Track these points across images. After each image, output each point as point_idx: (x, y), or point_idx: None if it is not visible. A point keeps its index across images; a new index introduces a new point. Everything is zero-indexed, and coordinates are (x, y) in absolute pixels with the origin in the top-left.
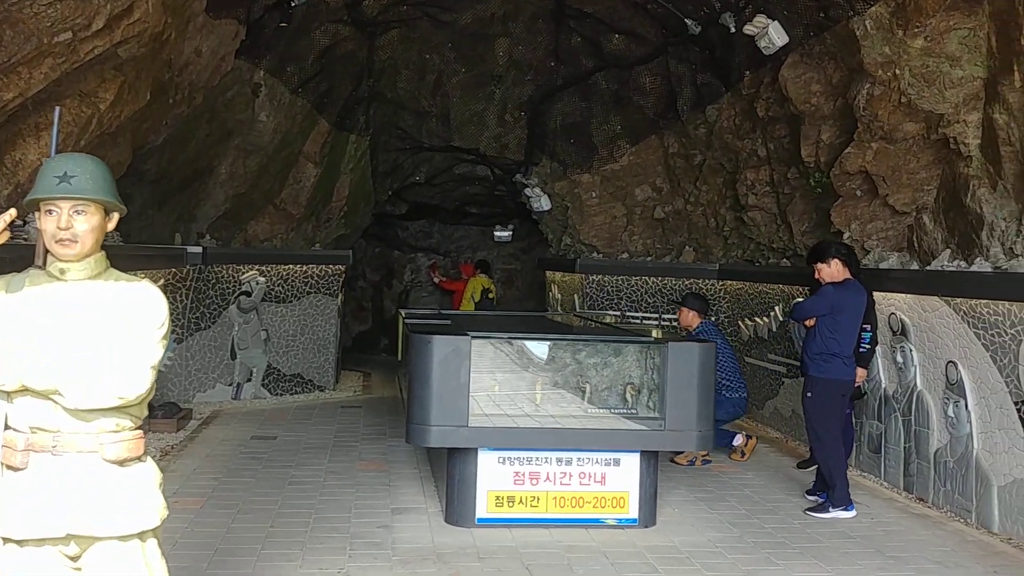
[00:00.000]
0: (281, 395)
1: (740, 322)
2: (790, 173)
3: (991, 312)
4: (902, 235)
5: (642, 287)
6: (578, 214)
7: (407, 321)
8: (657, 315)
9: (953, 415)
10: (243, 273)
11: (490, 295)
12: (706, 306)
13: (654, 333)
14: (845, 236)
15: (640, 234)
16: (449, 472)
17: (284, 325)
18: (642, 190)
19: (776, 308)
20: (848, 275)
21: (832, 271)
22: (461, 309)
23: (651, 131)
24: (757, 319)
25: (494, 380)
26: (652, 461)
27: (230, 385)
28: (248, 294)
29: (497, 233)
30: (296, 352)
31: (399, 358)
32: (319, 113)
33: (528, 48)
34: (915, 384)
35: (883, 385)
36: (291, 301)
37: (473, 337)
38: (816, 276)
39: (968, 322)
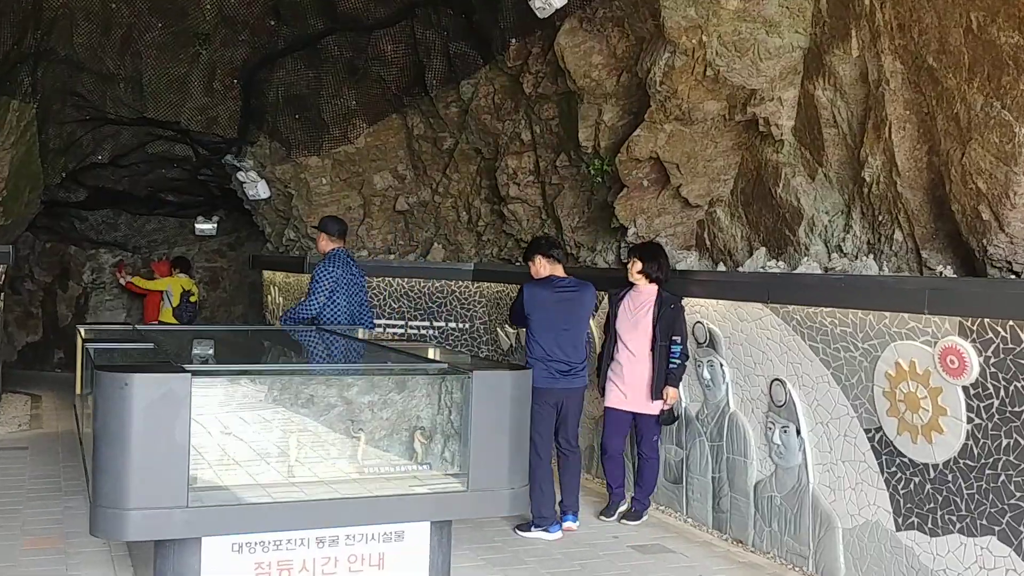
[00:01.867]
0: None
1: (499, 329)
2: (559, 160)
3: (836, 323)
4: (691, 231)
5: (386, 290)
6: (305, 203)
7: (89, 346)
8: (404, 322)
9: (780, 442)
10: None
11: (191, 298)
12: None
13: (431, 353)
14: (630, 232)
15: (380, 228)
16: (159, 569)
17: None
18: (382, 177)
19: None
20: (557, 271)
21: (536, 268)
22: (159, 317)
23: (392, 109)
24: (501, 331)
25: (224, 434)
26: (446, 532)
27: None
28: None
29: (199, 226)
30: None
31: (78, 391)
32: None
33: (242, 2)
34: (726, 404)
35: (683, 405)
36: None
37: (195, 374)
38: (532, 271)
39: (802, 334)
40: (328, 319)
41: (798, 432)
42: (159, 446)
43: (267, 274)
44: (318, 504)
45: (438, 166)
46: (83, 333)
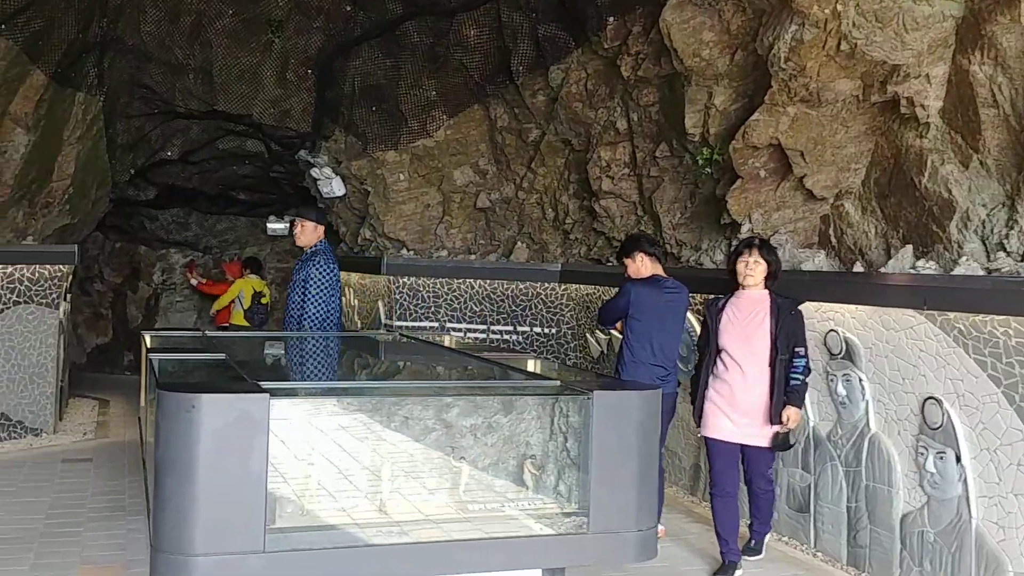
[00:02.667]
0: None
1: (588, 335)
2: (659, 151)
3: (1010, 333)
4: (814, 228)
5: (466, 292)
6: (382, 201)
7: (154, 357)
8: (485, 327)
9: (935, 470)
10: None
11: (263, 300)
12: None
13: (532, 365)
14: (744, 228)
15: (459, 227)
16: None
17: None
18: (462, 172)
19: None
20: (659, 271)
21: (637, 266)
22: (230, 319)
23: (474, 99)
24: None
25: (308, 465)
26: None
27: None
28: None
29: (271, 225)
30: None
31: (142, 402)
32: (32, 61)
33: None
34: (866, 425)
35: (812, 423)
36: None
37: (274, 394)
38: (626, 272)
39: (966, 346)
40: (333, 322)
41: (958, 459)
42: (232, 480)
43: (341, 275)
44: (416, 548)
45: (522, 160)
46: (148, 340)
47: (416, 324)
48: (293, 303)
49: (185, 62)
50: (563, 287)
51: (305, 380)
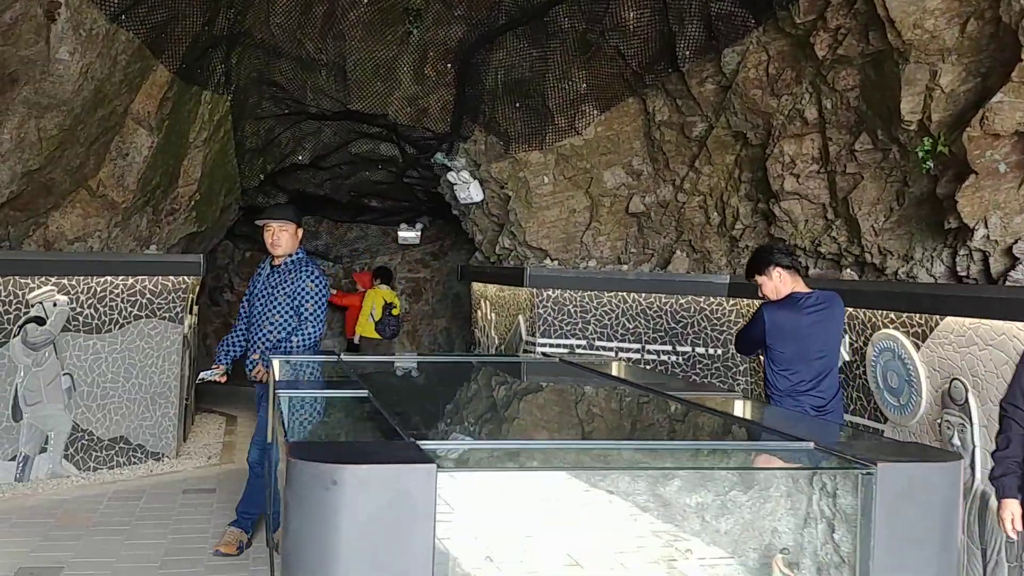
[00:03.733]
0: (94, 470)
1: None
2: (859, 143)
3: None
4: None
5: (618, 307)
6: (524, 206)
7: (283, 393)
8: (640, 346)
9: None
10: (33, 290)
11: (394, 311)
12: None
13: (741, 408)
14: (978, 235)
15: (608, 234)
16: None
17: (99, 367)
18: (613, 174)
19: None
20: (799, 286)
21: (773, 284)
22: (358, 329)
23: (630, 91)
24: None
25: (487, 560)
26: None
27: (12, 460)
28: (41, 321)
29: (402, 234)
30: (117, 405)
31: (269, 437)
32: (155, 55)
33: None
34: None
35: None
36: (110, 330)
37: (441, 465)
38: (761, 292)
39: None
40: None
41: None
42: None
43: (477, 287)
44: None
45: (684, 158)
46: (276, 368)
47: (561, 342)
48: (272, 321)
49: (317, 57)
50: (731, 302)
51: (473, 435)
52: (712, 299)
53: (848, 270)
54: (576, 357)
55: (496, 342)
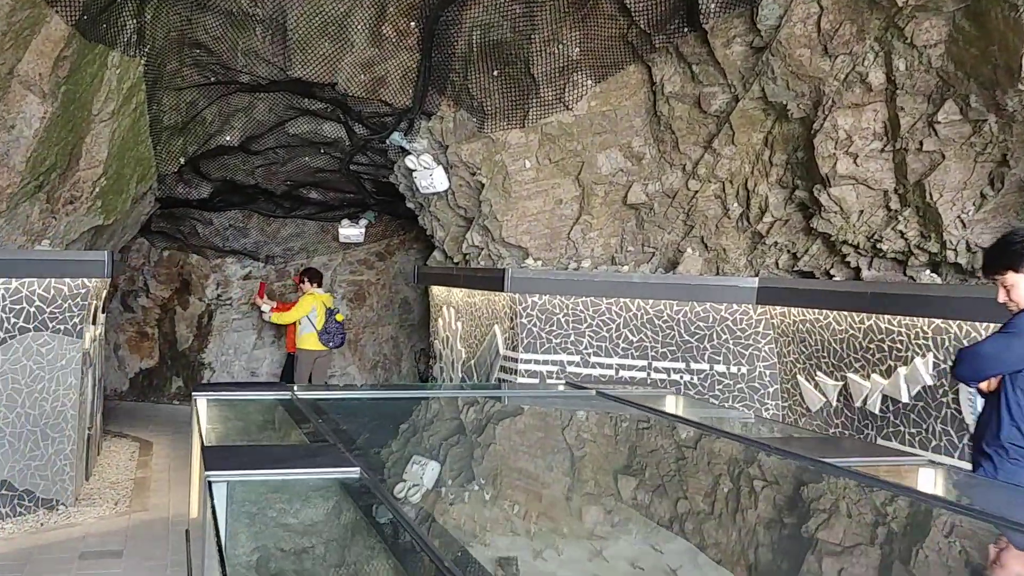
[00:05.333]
0: None
1: (801, 376)
2: (942, 113)
3: None
4: None
5: (620, 316)
6: (500, 196)
7: (217, 477)
8: (646, 363)
9: None
10: None
11: (337, 317)
12: None
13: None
14: None
15: (601, 229)
16: None
17: None
18: (609, 157)
19: (917, 361)
20: None
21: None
22: (298, 344)
23: (632, 57)
24: (855, 377)
25: None
26: None
27: None
28: None
29: (344, 231)
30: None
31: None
32: (47, 2)
33: None
34: None
35: None
36: None
37: None
38: (1004, 297)
39: None
40: None
41: None
42: None
43: (438, 292)
44: None
45: (698, 137)
46: (203, 418)
47: (549, 358)
48: None
49: (251, 11)
50: (759, 310)
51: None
52: (735, 307)
53: (928, 272)
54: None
55: (463, 356)
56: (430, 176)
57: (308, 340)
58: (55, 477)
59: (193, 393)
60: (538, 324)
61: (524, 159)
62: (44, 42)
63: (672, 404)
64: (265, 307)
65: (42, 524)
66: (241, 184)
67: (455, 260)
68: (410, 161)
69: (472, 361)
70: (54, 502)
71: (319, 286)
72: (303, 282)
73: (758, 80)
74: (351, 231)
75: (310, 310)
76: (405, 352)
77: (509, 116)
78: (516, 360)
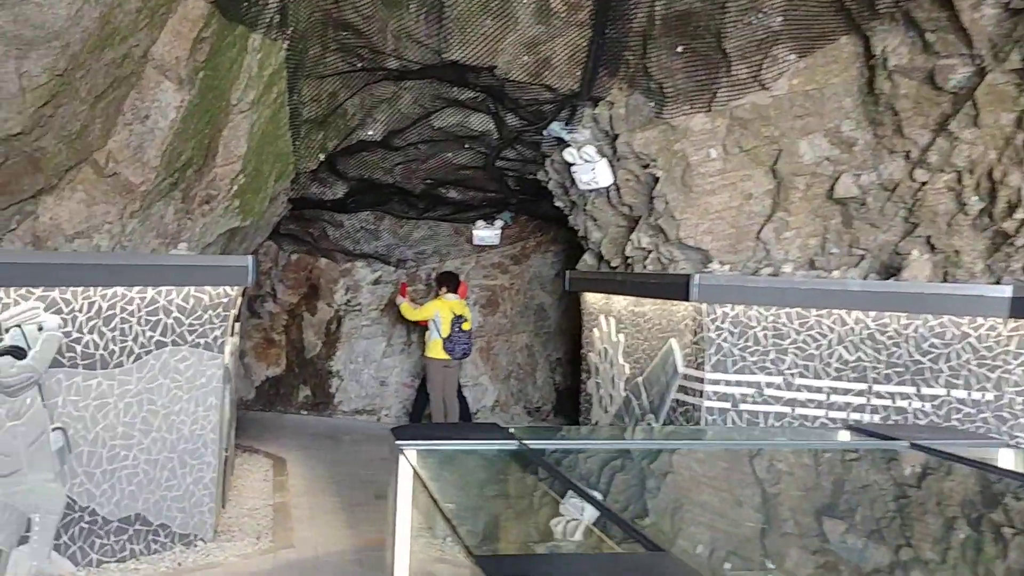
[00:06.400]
0: (98, 565)
1: None
2: None
3: None
4: None
5: (830, 332)
6: (679, 190)
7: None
8: (866, 386)
9: None
10: (8, 307)
11: (464, 325)
12: None
13: None
14: None
15: (801, 227)
16: None
17: (105, 417)
18: (812, 144)
19: None
20: None
21: None
22: (425, 351)
23: (848, 25)
24: None
25: None
26: None
27: None
28: (19, 353)
29: (479, 232)
30: (132, 471)
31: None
32: None
33: None
34: None
35: None
36: (121, 364)
37: None
38: None
39: None
40: None
41: None
42: None
43: (593, 299)
44: None
45: (927, 119)
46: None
47: (742, 378)
48: None
49: None
50: (1012, 325)
51: None
52: (980, 320)
53: None
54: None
55: (626, 372)
56: (592, 170)
57: (434, 348)
58: (193, 509)
59: (396, 442)
60: (730, 339)
61: (709, 148)
62: (181, 22)
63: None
64: (402, 301)
65: (179, 564)
66: (379, 183)
67: (613, 264)
68: (569, 154)
69: (639, 379)
70: (192, 537)
71: (451, 291)
72: (440, 286)
73: (1016, 48)
74: (486, 233)
75: (433, 315)
76: (540, 361)
77: (693, 99)
78: (701, 380)
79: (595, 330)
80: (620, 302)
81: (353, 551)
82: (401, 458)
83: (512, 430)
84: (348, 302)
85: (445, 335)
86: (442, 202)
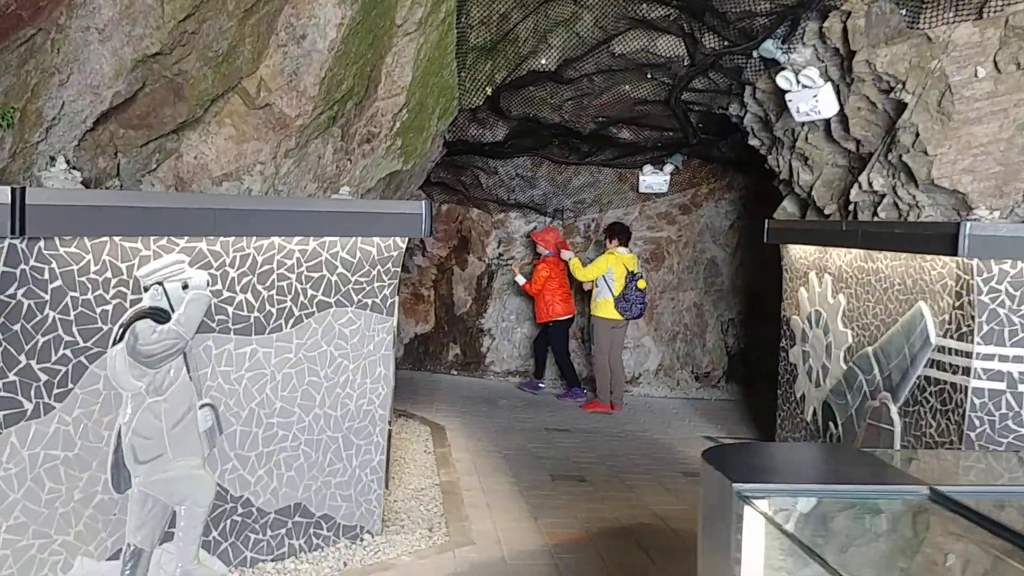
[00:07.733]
0: (253, 564)
1: None
2: None
3: None
4: None
5: None
6: (934, 118)
7: None
8: None
9: None
10: (148, 261)
11: (639, 283)
12: None
13: None
14: None
15: None
16: None
17: (261, 390)
18: None
19: None
20: None
21: None
22: (592, 309)
23: None
24: None
25: None
26: None
27: (115, 558)
28: (161, 316)
29: (646, 178)
30: (291, 455)
31: None
32: None
33: None
34: None
35: None
36: (279, 328)
37: None
38: None
39: None
40: None
41: None
42: None
43: (799, 252)
44: None
45: None
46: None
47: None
48: None
49: None
50: None
51: None
52: None
53: None
54: None
55: (847, 341)
56: (813, 98)
57: (604, 307)
58: (360, 498)
59: (736, 493)
60: (1008, 304)
61: (976, 65)
62: None
63: None
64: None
65: (345, 564)
66: (544, 123)
67: (826, 212)
68: (784, 79)
69: (869, 349)
70: (358, 530)
71: (623, 245)
72: (610, 238)
73: None
74: (655, 179)
75: (606, 270)
76: (711, 323)
77: (958, 3)
78: (968, 355)
79: (802, 289)
80: (841, 256)
81: (543, 552)
82: (748, 509)
83: (914, 477)
84: (500, 256)
85: (618, 293)
86: (610, 143)
